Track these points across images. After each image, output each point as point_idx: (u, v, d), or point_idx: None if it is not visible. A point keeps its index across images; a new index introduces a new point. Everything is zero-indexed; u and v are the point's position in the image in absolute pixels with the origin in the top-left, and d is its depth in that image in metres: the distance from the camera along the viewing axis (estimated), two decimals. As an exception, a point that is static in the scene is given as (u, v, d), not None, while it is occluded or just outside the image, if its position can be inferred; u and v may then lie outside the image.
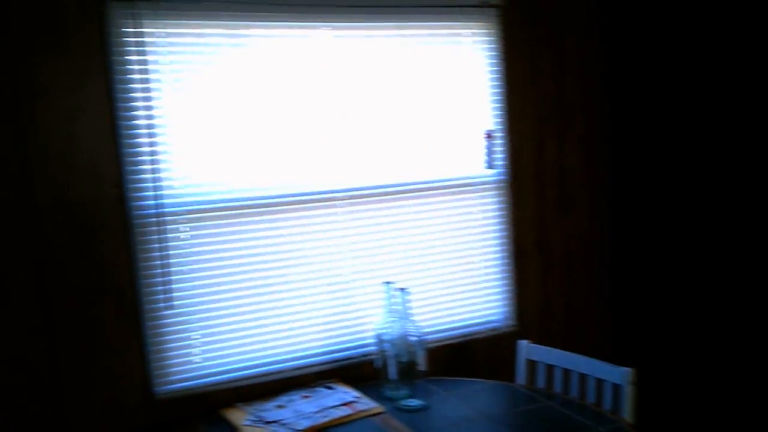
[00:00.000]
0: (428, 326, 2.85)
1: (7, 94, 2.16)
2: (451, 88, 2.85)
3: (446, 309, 2.92)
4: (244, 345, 2.56)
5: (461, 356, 2.93)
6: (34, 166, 2.20)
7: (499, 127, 2.95)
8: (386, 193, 2.76)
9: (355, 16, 2.65)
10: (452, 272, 2.92)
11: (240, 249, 2.52)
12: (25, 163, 2.19)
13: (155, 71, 2.35)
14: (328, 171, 2.65)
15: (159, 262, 2.39)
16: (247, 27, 2.47)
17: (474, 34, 2.88)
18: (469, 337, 2.95)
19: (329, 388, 2.58)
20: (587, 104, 3.16)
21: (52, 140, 2.22)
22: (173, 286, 2.42)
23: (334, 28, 2.62)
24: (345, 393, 2.52)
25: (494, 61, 2.92)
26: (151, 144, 2.35)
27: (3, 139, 2.16)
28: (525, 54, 2.99)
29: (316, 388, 2.58)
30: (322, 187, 2.64)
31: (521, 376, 2.68)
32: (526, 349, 2.69)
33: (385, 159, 2.75)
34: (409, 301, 2.51)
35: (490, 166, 2.96)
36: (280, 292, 2.61)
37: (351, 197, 2.70)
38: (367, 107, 2.70)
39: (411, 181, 2.80)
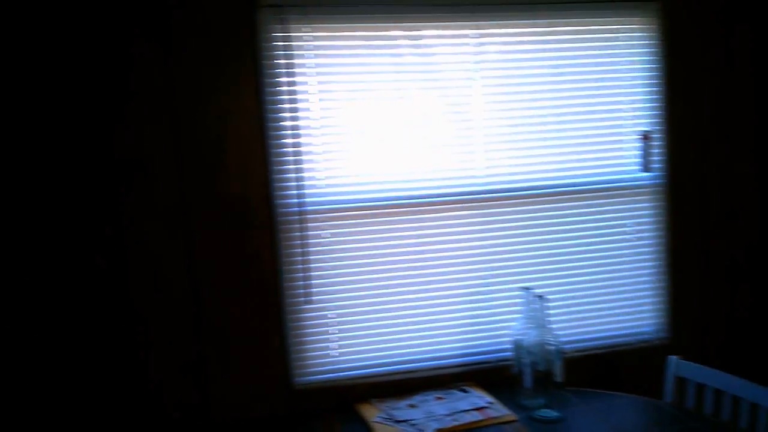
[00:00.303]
0: (569, 335, 2.76)
1: (165, 97, 2.32)
2: (605, 86, 2.71)
3: (591, 318, 2.80)
4: (381, 342, 2.61)
5: (605, 368, 2.80)
6: (187, 165, 2.36)
7: (657, 127, 2.78)
8: (531, 195, 2.68)
9: (505, 14, 2.59)
10: (599, 280, 2.79)
11: (379, 248, 2.56)
12: (180, 162, 2.35)
13: (301, 74, 2.43)
14: (471, 171, 2.62)
15: (300, 259, 2.48)
16: (392, 28, 2.49)
17: (632, 30, 2.72)
18: (615, 349, 2.81)
19: (464, 391, 2.56)
20: (760, 103, 2.90)
21: (204, 141, 2.36)
22: (313, 282, 2.51)
23: (481, 27, 2.58)
24: (479, 397, 2.49)
25: (653, 57, 2.75)
26: (295, 145, 2.44)
27: (160, 139, 2.33)
28: (688, 49, 2.79)
29: (451, 390, 2.57)
30: (464, 188, 2.63)
31: (669, 394, 2.52)
32: (676, 365, 2.52)
33: (531, 159, 2.67)
34: (548, 308, 2.44)
35: (646, 169, 2.79)
36: (419, 291, 2.62)
37: (494, 198, 2.65)
38: (515, 107, 2.64)
39: (558, 183, 2.71)
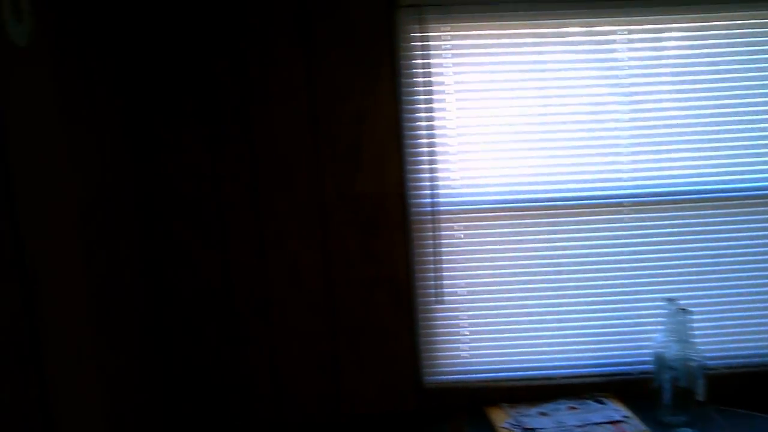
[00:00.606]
0: (714, 350, 2.57)
1: (304, 98, 2.39)
2: (764, 85, 2.50)
3: (739, 333, 2.59)
4: (514, 346, 2.56)
5: (757, 387, 2.59)
6: (325, 163, 2.42)
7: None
8: (679, 201, 2.52)
9: (656, 9, 2.44)
10: (749, 293, 2.58)
11: (514, 250, 2.51)
12: (317, 162, 2.41)
13: (438, 73, 2.42)
14: (614, 174, 2.50)
15: (432, 258, 2.48)
16: (534, 26, 2.42)
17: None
18: (766, 368, 2.61)
19: (600, 402, 2.47)
20: None
21: (341, 141, 2.41)
22: (444, 282, 2.50)
23: (632, 22, 2.44)
24: (615, 410, 2.39)
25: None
26: (430, 145, 2.43)
27: (299, 138, 2.40)
28: None
29: (586, 401, 2.48)
30: (607, 192, 2.51)
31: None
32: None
33: (681, 163, 2.51)
34: (692, 322, 2.29)
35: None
36: (554, 296, 2.55)
37: (639, 203, 2.52)
38: (665, 106, 2.48)
39: (709, 189, 2.52)
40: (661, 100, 2.48)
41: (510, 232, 2.50)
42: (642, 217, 2.52)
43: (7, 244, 1.49)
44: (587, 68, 2.45)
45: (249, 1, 2.32)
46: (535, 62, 2.44)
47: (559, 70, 2.44)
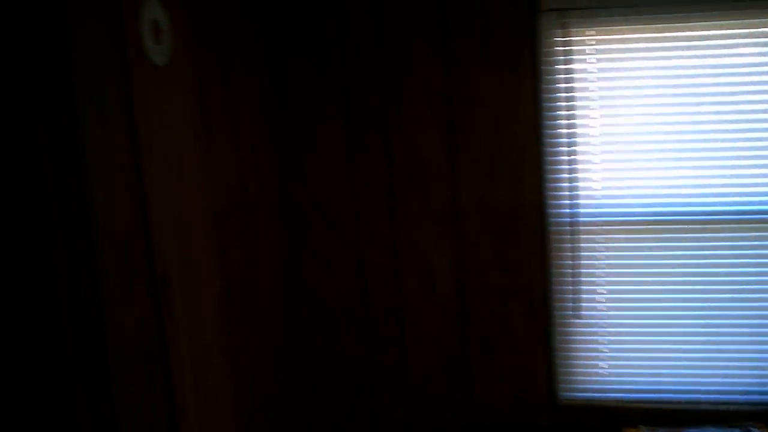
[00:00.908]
0: None
1: (441, 102, 2.37)
2: None
3: None
4: (657, 365, 2.42)
5: None
6: (461, 169, 2.40)
7: None
8: None
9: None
10: None
11: (660, 266, 2.37)
12: (453, 167, 2.40)
13: (580, 78, 2.33)
14: (775, 187, 2.31)
15: (570, 270, 2.40)
16: (686, 29, 2.27)
17: None
18: None
19: (750, 432, 2.29)
20: None
21: (478, 146, 2.38)
22: (583, 295, 2.41)
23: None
24: (768, 443, 2.21)
25: None
26: (571, 152, 2.35)
27: (435, 143, 2.39)
28: None
29: (734, 430, 2.30)
30: (761, 206, 2.32)
31: None
32: None
33: None
34: None
35: None
36: (705, 316, 2.38)
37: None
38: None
39: None
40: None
41: (656, 246, 2.36)
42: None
43: (138, 251, 1.60)
44: (744, 73, 2.26)
45: (387, 6, 2.35)
46: (685, 67, 2.28)
47: (713, 75, 2.27)
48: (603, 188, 2.36)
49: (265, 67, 2.40)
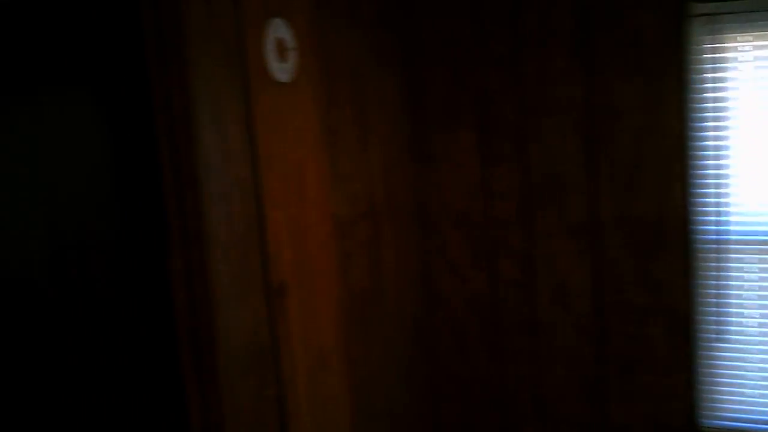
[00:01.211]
0: None
1: (581, 112, 2.31)
2: None
3: None
4: (813, 398, 2.24)
5: None
6: (601, 182, 2.32)
7: None
8: None
9: None
10: None
11: (819, 289, 2.19)
12: (593, 179, 2.32)
13: (732, 87, 2.20)
14: None
15: (715, 291, 2.26)
16: None
17: None
18: None
19: None
20: None
21: (619, 158, 2.29)
22: (729, 318, 2.26)
23: None
24: None
25: None
26: (719, 167, 2.22)
27: (574, 154, 2.33)
28: None
29: None
30: None
31: None
32: None
33: None
34: None
35: None
36: None
37: None
38: None
39: None
40: None
41: (815, 268, 2.19)
42: None
43: (254, 260, 1.66)
44: None
45: (526, 13, 2.31)
46: None
47: None
48: (756, 204, 2.21)
49: (399, 77, 2.42)
